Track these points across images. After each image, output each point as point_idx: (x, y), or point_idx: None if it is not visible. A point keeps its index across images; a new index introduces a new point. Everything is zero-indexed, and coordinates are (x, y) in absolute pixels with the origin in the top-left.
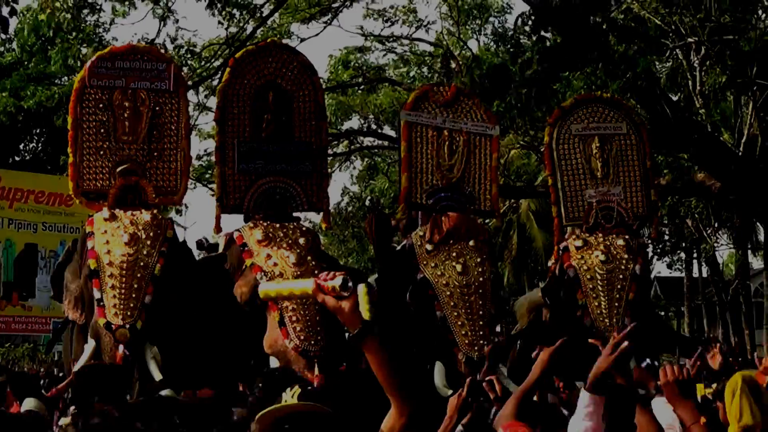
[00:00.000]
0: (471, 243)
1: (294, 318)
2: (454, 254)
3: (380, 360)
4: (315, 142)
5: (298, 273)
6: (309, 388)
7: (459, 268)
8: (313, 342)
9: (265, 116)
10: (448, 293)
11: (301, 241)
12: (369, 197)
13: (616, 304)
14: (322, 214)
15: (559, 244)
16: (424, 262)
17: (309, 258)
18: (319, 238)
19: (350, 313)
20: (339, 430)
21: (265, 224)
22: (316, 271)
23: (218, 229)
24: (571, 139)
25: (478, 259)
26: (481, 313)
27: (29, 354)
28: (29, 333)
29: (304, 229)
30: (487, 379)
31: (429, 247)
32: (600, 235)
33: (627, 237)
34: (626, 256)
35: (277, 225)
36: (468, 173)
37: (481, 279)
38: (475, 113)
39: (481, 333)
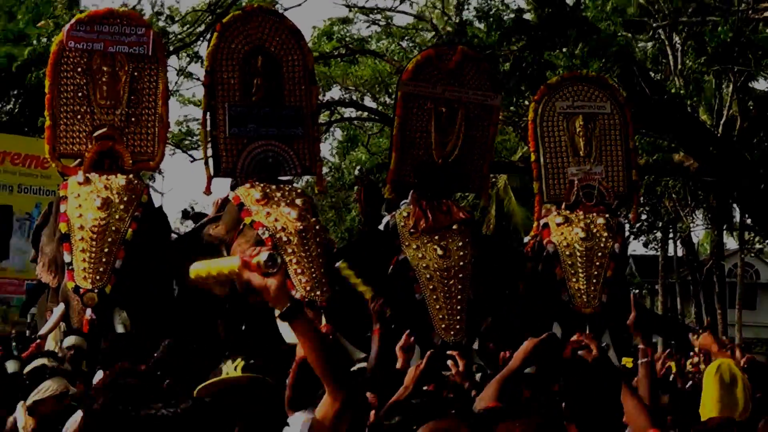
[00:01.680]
0: (454, 227)
1: (298, 270)
2: (436, 237)
3: (310, 342)
4: (305, 107)
5: (301, 227)
6: (251, 361)
7: (440, 251)
8: (318, 292)
9: (254, 81)
10: (428, 276)
11: (298, 201)
12: (358, 167)
13: (594, 281)
14: (315, 177)
15: (539, 219)
16: (407, 243)
17: (309, 216)
18: (314, 201)
19: (277, 291)
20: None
21: (262, 185)
22: (317, 227)
23: (209, 191)
24: (555, 117)
25: (460, 243)
26: (459, 297)
27: (2, 315)
28: (2, 294)
29: (299, 191)
30: (449, 353)
31: (411, 228)
32: (580, 212)
33: (607, 215)
34: (605, 234)
35: (274, 186)
36: (463, 150)
37: (461, 263)
38: (478, 80)
39: (458, 318)
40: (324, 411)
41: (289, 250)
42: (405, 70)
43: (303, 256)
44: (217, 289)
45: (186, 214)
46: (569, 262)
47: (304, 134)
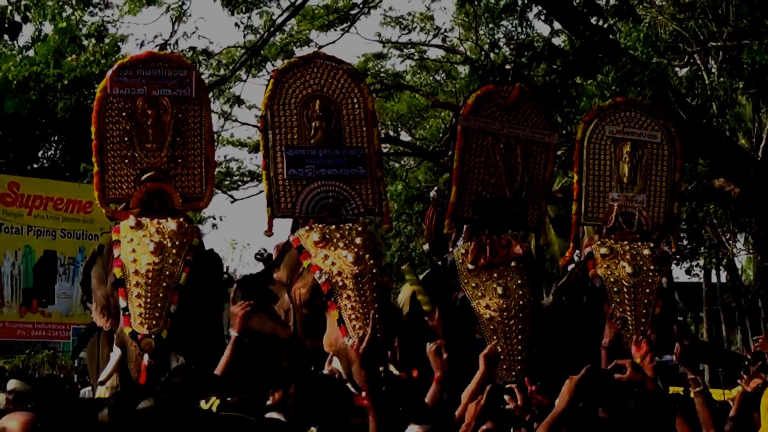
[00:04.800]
0: (513, 264)
1: (353, 316)
2: (495, 275)
3: None
4: (367, 147)
5: (357, 271)
6: (228, 399)
7: (500, 290)
8: None
9: (312, 124)
10: (488, 316)
11: (358, 240)
12: (435, 188)
13: (643, 319)
14: (381, 218)
15: (574, 241)
16: (465, 281)
17: (367, 257)
18: (376, 238)
19: None
20: None
21: (321, 226)
22: (374, 270)
23: (270, 232)
24: (603, 140)
25: (519, 281)
26: (519, 337)
27: (49, 360)
28: (48, 339)
29: (360, 229)
30: (507, 386)
31: (471, 266)
32: (625, 243)
33: (652, 246)
34: (653, 267)
35: (333, 227)
36: (522, 187)
37: (521, 302)
38: (535, 118)
39: (518, 358)
40: None
41: (344, 295)
42: (465, 105)
43: (358, 301)
44: (281, 332)
45: (260, 257)
46: (617, 299)
47: (367, 174)
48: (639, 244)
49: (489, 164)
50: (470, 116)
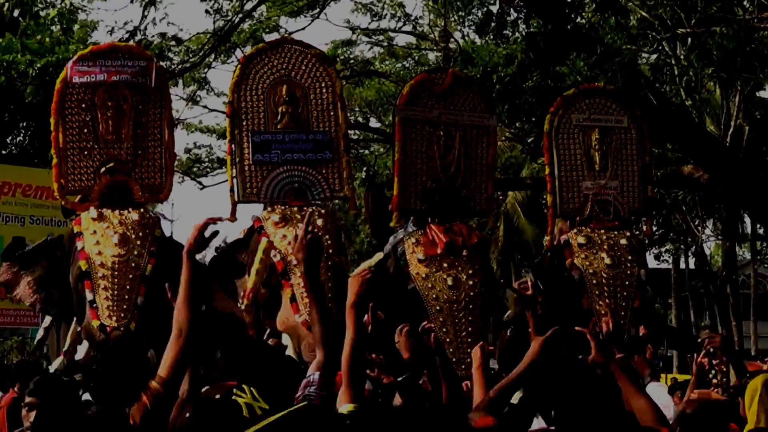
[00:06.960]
0: (464, 252)
1: (305, 293)
2: (445, 265)
3: None
4: (334, 131)
5: None
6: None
7: (450, 281)
8: None
9: (279, 109)
10: (438, 308)
11: (319, 222)
12: (365, 168)
13: (623, 312)
14: (348, 201)
15: (552, 234)
16: (416, 272)
17: (326, 237)
18: (339, 221)
19: None
20: None
21: (283, 208)
22: (330, 251)
23: (234, 218)
24: (571, 129)
25: (470, 271)
26: (470, 329)
27: (17, 347)
28: (17, 326)
29: (323, 212)
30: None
31: (421, 255)
32: (602, 232)
33: (628, 235)
34: (630, 257)
35: (295, 209)
36: (464, 172)
37: (471, 293)
38: (472, 102)
39: (468, 350)
40: None
41: (299, 273)
42: (400, 95)
43: None
44: (239, 311)
45: (218, 250)
46: (596, 292)
47: (333, 158)
48: (616, 233)
49: (431, 153)
50: (407, 107)
